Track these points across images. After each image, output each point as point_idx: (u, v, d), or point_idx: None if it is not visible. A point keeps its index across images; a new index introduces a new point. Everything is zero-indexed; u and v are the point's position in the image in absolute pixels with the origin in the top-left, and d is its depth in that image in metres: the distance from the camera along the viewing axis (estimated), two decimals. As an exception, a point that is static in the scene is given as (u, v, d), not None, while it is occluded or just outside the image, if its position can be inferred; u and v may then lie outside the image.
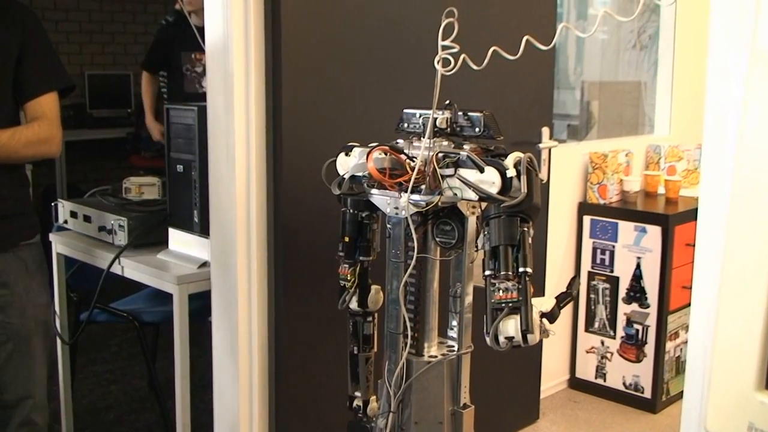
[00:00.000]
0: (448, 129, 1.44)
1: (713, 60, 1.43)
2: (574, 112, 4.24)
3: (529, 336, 1.28)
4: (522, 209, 1.32)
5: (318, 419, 2.37)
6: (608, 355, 3.45)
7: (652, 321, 3.29)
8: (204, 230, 2.35)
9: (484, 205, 1.38)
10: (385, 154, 1.42)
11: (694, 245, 1.51)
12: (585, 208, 3.47)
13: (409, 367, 1.49)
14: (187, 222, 2.43)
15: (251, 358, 2.27)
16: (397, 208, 1.44)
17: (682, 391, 1.59)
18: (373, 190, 1.47)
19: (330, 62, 2.26)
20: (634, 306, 3.34)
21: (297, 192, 2.20)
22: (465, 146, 1.41)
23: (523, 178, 1.31)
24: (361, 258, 1.53)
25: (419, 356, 1.51)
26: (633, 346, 3.37)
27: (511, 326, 1.29)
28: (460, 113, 1.43)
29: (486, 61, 1.34)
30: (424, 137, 1.42)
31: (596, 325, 3.47)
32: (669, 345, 3.32)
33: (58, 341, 2.69)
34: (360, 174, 1.49)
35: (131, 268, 2.47)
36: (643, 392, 3.36)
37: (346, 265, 1.53)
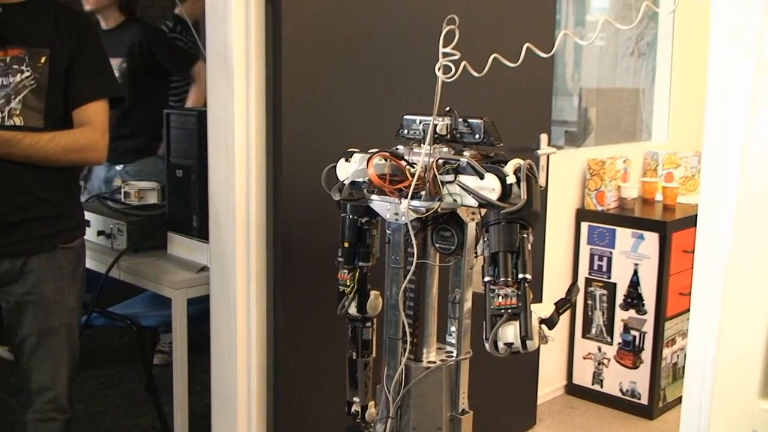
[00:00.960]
0: (448, 135, 1.44)
1: (714, 67, 1.42)
2: (572, 119, 4.24)
3: (528, 342, 1.29)
4: (521, 216, 1.32)
5: (316, 424, 2.37)
6: (605, 361, 3.45)
7: (649, 327, 3.30)
8: (203, 235, 2.35)
9: (483, 211, 1.39)
10: (386, 160, 1.43)
11: (691, 252, 1.51)
12: (583, 214, 3.47)
13: (408, 373, 1.50)
14: (187, 226, 2.44)
15: (250, 363, 2.27)
16: (396, 214, 1.45)
17: (679, 398, 1.59)
18: (373, 196, 1.48)
19: (330, 69, 2.27)
20: (632, 312, 3.34)
21: (296, 197, 2.21)
22: (465, 153, 1.41)
23: (523, 184, 1.32)
24: (360, 263, 1.53)
25: (418, 362, 1.51)
26: (630, 352, 3.37)
27: (510, 332, 1.30)
28: (460, 120, 1.44)
29: (486, 68, 1.34)
30: (424, 143, 1.43)
31: (593, 331, 3.47)
32: (666, 351, 3.33)
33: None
34: (360, 180, 1.49)
35: (130, 272, 2.47)
36: (639, 398, 3.37)
37: (346, 271, 1.54)
